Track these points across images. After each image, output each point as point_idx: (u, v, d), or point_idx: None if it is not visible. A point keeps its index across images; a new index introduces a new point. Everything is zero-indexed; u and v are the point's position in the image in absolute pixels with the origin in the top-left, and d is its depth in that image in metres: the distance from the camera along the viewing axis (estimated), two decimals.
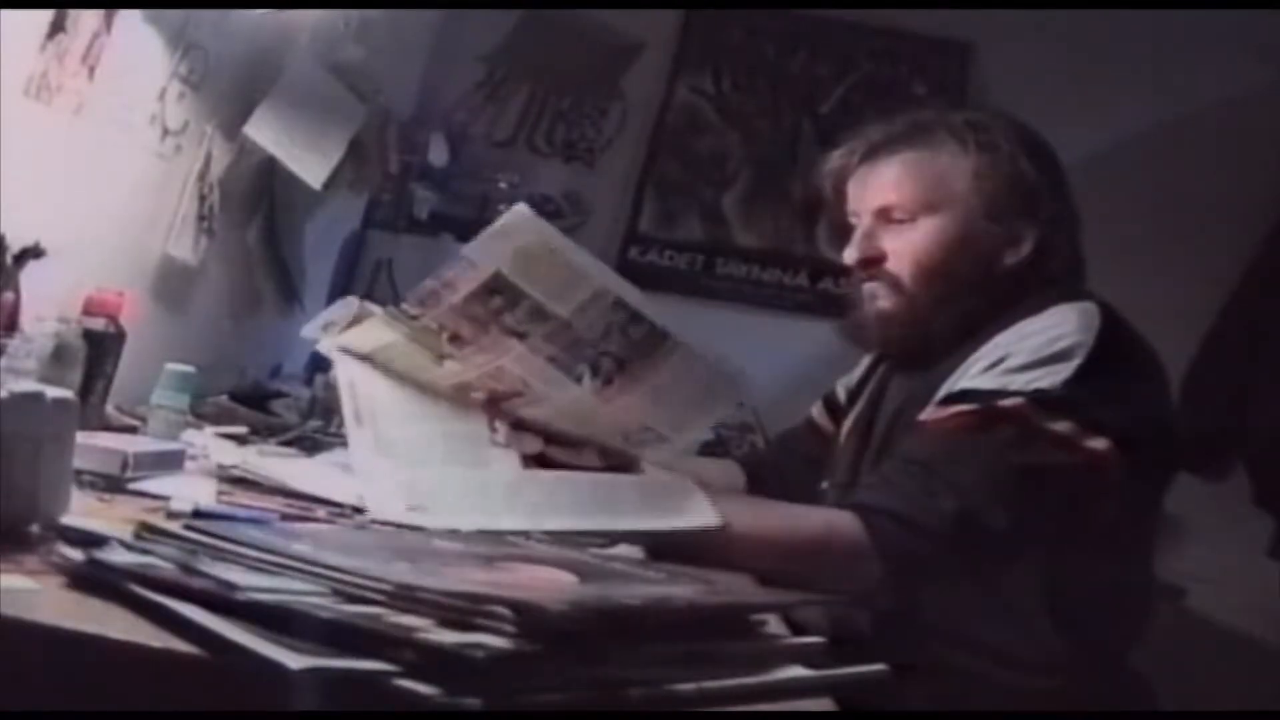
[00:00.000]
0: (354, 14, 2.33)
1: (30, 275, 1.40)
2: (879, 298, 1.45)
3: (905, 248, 1.43)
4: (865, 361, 1.68)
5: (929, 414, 1.31)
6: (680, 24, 3.15)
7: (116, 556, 0.73)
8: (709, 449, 2.39)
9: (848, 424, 1.62)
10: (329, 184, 2.26)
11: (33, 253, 1.41)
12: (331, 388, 1.96)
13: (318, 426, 1.84)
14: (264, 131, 2.02)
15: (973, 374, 1.30)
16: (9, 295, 1.36)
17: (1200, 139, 2.84)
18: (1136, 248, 2.80)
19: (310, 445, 1.66)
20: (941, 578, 1.23)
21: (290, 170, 2.12)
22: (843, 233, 1.54)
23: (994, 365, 1.29)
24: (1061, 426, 1.24)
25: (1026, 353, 1.28)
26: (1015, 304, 1.39)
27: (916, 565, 1.20)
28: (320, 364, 2.33)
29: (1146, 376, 1.37)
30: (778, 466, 1.78)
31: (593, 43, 3.14)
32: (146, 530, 0.77)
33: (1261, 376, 2.68)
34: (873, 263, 1.45)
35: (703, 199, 3.09)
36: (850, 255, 1.48)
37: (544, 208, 3.09)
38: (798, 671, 0.76)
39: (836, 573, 1.22)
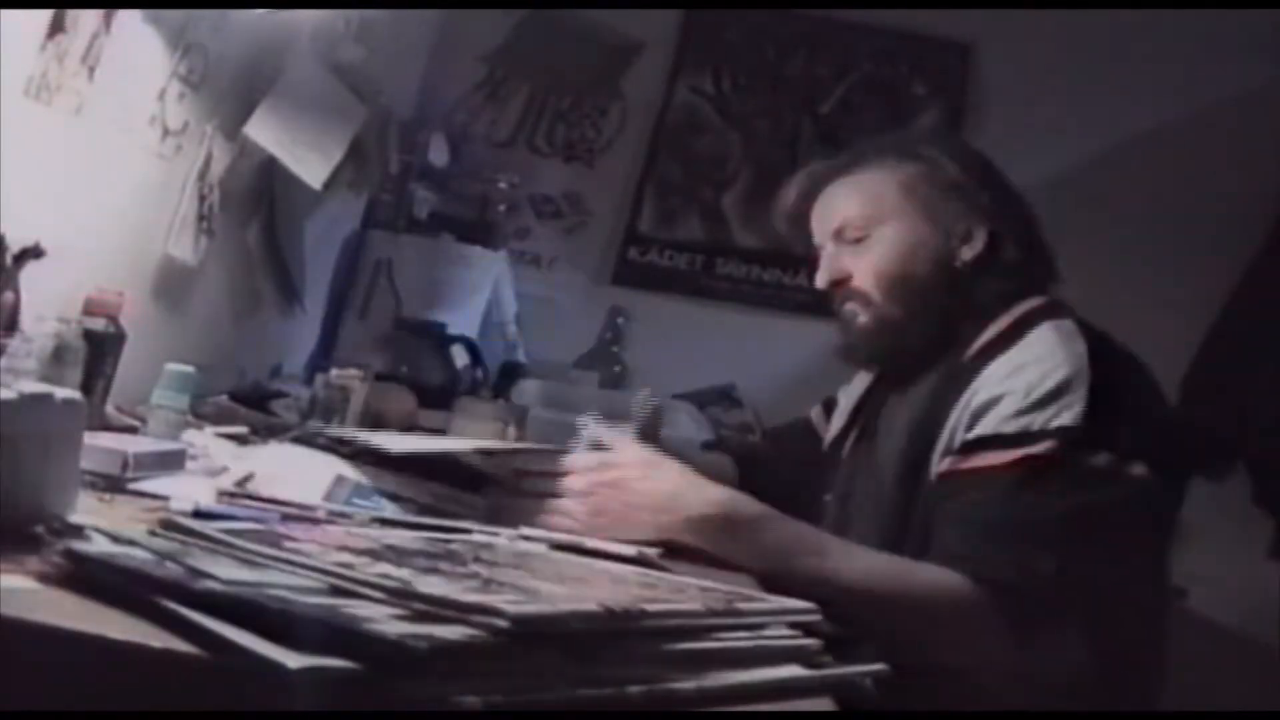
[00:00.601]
0: (354, 14, 2.33)
1: (30, 275, 1.40)
2: (858, 315, 1.52)
3: (865, 262, 1.51)
4: (866, 377, 1.69)
5: (955, 463, 1.33)
6: (680, 24, 3.15)
7: (91, 546, 0.74)
8: (710, 449, 2.39)
9: (850, 440, 1.64)
10: (329, 184, 2.25)
11: (33, 253, 1.41)
12: (331, 387, 1.97)
13: (318, 426, 1.84)
14: (264, 131, 2.02)
15: (984, 419, 1.32)
16: (9, 295, 1.36)
17: (1200, 139, 2.84)
18: (1136, 248, 2.81)
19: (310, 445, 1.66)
20: (1045, 629, 1.24)
21: (290, 170, 2.12)
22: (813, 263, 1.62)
23: (993, 406, 1.31)
24: (1099, 461, 1.26)
25: (1026, 391, 1.30)
26: (987, 301, 1.45)
27: (1032, 625, 1.22)
28: (320, 364, 2.34)
29: (1143, 387, 1.40)
30: (771, 464, 1.80)
31: (593, 43, 3.14)
32: (162, 527, 0.77)
33: (1261, 376, 2.68)
34: (840, 283, 1.53)
35: (703, 199, 3.09)
36: (821, 280, 1.56)
37: (544, 208, 3.09)
38: (797, 671, 0.76)
39: (965, 643, 1.24)
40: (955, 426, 1.35)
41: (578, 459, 1.32)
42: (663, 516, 1.26)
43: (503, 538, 1.11)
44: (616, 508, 1.27)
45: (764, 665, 0.76)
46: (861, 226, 1.52)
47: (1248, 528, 2.63)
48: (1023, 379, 1.31)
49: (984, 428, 1.31)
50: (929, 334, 1.47)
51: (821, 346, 2.91)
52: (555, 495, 1.29)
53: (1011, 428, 1.29)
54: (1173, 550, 1.44)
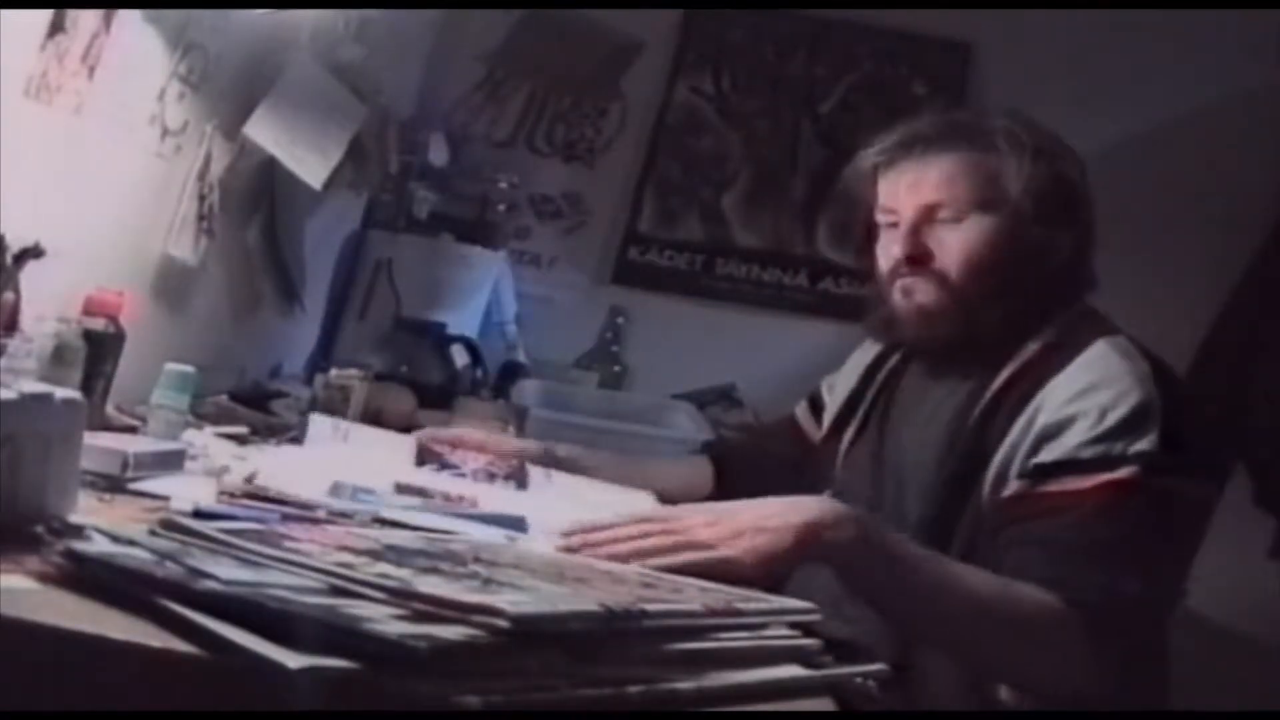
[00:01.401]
0: (354, 14, 2.33)
1: (30, 275, 1.40)
2: (918, 293, 1.45)
3: (954, 245, 1.43)
4: (859, 367, 1.66)
5: (1029, 487, 1.30)
6: (680, 24, 3.15)
7: (91, 546, 0.74)
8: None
9: (849, 433, 1.60)
10: (329, 184, 2.25)
11: (33, 253, 1.41)
12: (331, 387, 1.97)
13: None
14: (264, 131, 2.02)
15: (1057, 442, 1.29)
16: (9, 295, 1.36)
17: (1200, 139, 2.84)
18: (1136, 248, 2.80)
19: None
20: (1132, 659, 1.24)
21: (290, 170, 2.12)
22: (865, 232, 1.54)
23: (1065, 428, 1.29)
24: (1173, 483, 1.26)
25: (1099, 414, 1.28)
26: (1053, 308, 1.43)
27: (1118, 650, 1.21)
28: (320, 364, 2.34)
29: (1192, 405, 1.41)
30: (751, 463, 1.77)
31: (593, 43, 3.14)
32: (162, 527, 0.77)
33: (1262, 377, 2.68)
34: (920, 260, 1.44)
35: (703, 199, 3.09)
36: (896, 252, 1.46)
37: (544, 208, 3.09)
38: (797, 671, 0.76)
39: (1045, 656, 1.22)
40: (1016, 445, 1.32)
41: (685, 510, 1.20)
42: (804, 537, 1.14)
43: (502, 538, 1.11)
44: (735, 520, 1.14)
45: (764, 665, 0.76)
46: (962, 209, 1.43)
47: (1248, 528, 2.63)
48: (1094, 401, 1.29)
49: (1058, 452, 1.29)
50: (992, 328, 1.42)
51: (821, 346, 2.93)
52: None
53: (1089, 453, 1.27)
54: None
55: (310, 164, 2.16)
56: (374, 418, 1.99)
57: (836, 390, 1.68)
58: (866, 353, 1.66)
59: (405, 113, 2.85)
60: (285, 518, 1.06)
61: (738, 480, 1.66)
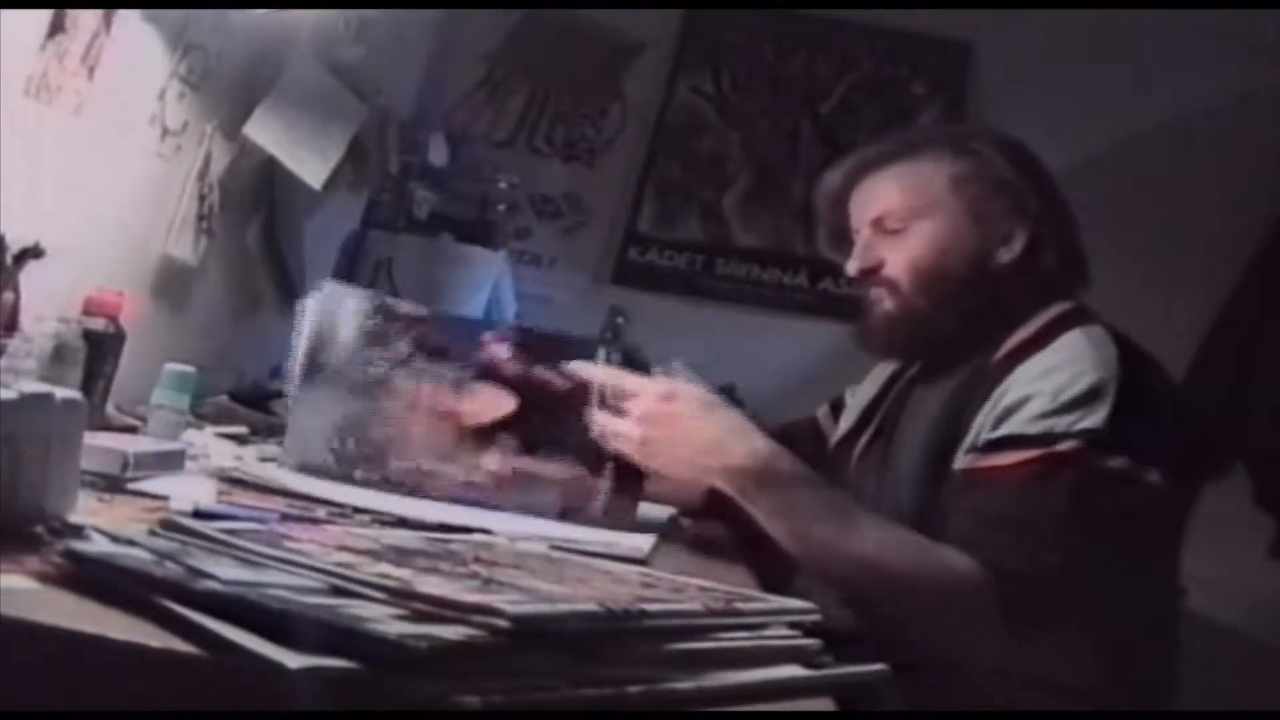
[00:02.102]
0: (354, 14, 2.33)
1: (30, 275, 1.40)
2: (882, 301, 1.51)
3: (901, 253, 1.49)
4: (880, 378, 1.69)
5: (976, 460, 1.33)
6: (680, 24, 3.15)
7: (91, 546, 0.74)
8: None
9: (862, 441, 1.63)
10: (329, 184, 2.26)
11: (33, 253, 1.41)
12: None
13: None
14: (264, 131, 2.02)
15: (1011, 419, 1.31)
16: (9, 295, 1.36)
17: (1200, 139, 2.84)
18: (1136, 247, 2.80)
19: None
20: (1046, 624, 1.24)
21: (290, 170, 2.12)
22: (843, 243, 1.61)
23: (1021, 406, 1.31)
24: (1118, 464, 1.27)
25: (1054, 393, 1.30)
26: (1016, 303, 1.45)
27: (1032, 621, 1.22)
28: None
29: (1166, 395, 1.40)
30: None
31: (593, 43, 3.14)
32: (162, 526, 0.77)
33: (1261, 376, 2.69)
34: (872, 271, 1.52)
35: (703, 199, 3.09)
36: (852, 266, 1.54)
37: (544, 208, 3.09)
38: (797, 671, 0.76)
39: (966, 630, 1.24)
40: (981, 427, 1.35)
41: (646, 383, 1.34)
42: (704, 458, 1.30)
43: (503, 538, 1.11)
44: (665, 441, 1.30)
45: (764, 665, 0.76)
46: (903, 217, 1.50)
47: (1248, 528, 2.63)
48: (1051, 381, 1.31)
49: (1009, 428, 1.31)
50: (951, 330, 1.47)
51: (821, 346, 2.94)
52: (620, 414, 1.32)
53: (1036, 428, 1.29)
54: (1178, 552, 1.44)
55: (310, 164, 2.16)
56: None
57: (858, 395, 1.71)
58: (891, 363, 1.69)
59: (405, 113, 2.85)
60: (285, 518, 1.06)
61: None
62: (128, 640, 0.63)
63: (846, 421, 1.69)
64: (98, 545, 0.77)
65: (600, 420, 1.33)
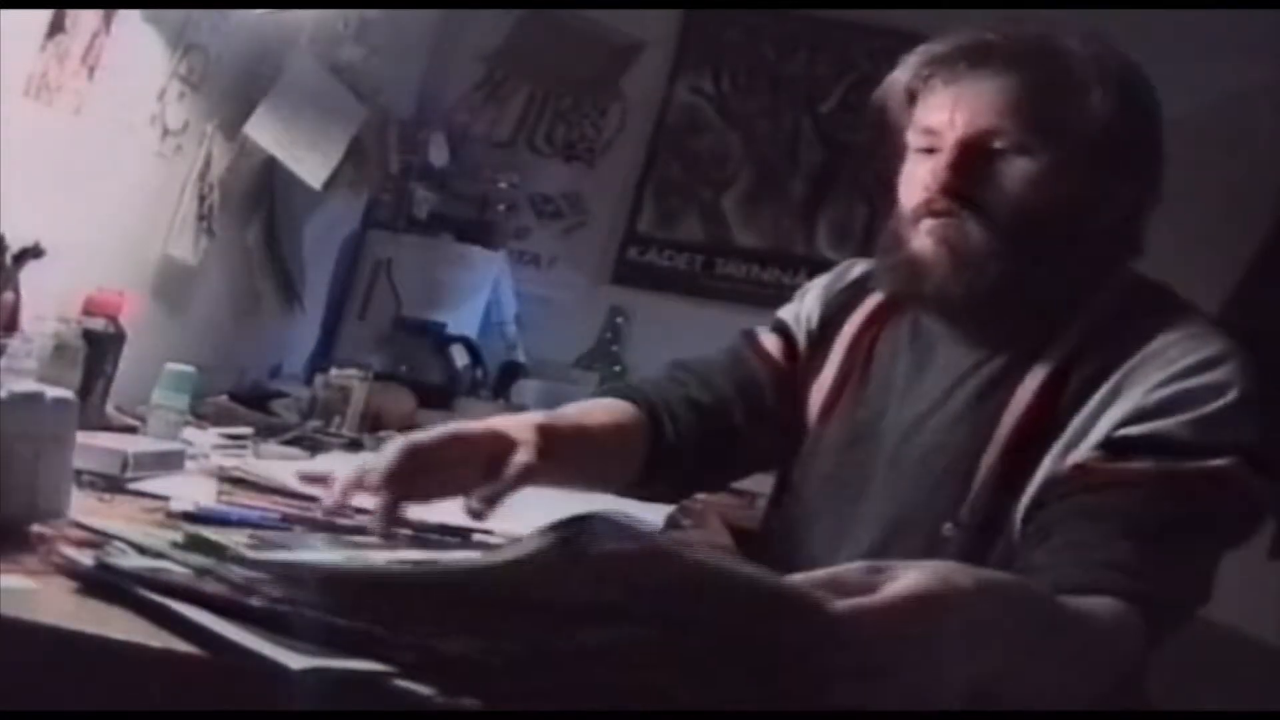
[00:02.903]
0: (354, 14, 2.33)
1: (30, 275, 1.40)
2: (947, 236, 1.18)
3: (1006, 181, 1.17)
4: (814, 306, 1.43)
5: (1103, 460, 1.11)
6: (680, 24, 3.15)
7: (126, 561, 0.73)
8: None
9: (822, 395, 1.33)
10: (329, 184, 2.26)
11: (33, 253, 1.41)
12: (331, 387, 1.97)
13: (318, 426, 1.84)
14: (264, 131, 2.02)
15: (1151, 421, 1.11)
16: (9, 295, 1.36)
17: (1200, 138, 2.84)
18: None
19: (310, 445, 1.66)
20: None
21: (290, 170, 2.12)
22: (890, 157, 1.29)
23: (1164, 407, 1.11)
24: (1261, 484, 1.11)
25: (1204, 396, 1.11)
26: (1088, 272, 1.21)
27: (1154, 643, 1.07)
28: (320, 364, 2.34)
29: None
30: (699, 382, 1.37)
31: (593, 43, 3.14)
32: (194, 543, 0.77)
33: (1262, 376, 2.68)
34: (960, 194, 1.18)
35: (703, 199, 3.09)
36: (931, 183, 1.18)
37: (544, 208, 3.09)
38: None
39: (1120, 668, 1.03)
40: (1095, 416, 1.12)
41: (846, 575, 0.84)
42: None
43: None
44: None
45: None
46: (1025, 141, 1.17)
47: None
48: (1198, 383, 1.12)
49: (1149, 429, 1.10)
50: (1018, 282, 1.17)
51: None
52: None
53: (1187, 434, 1.09)
54: None
55: (310, 164, 2.16)
56: (374, 418, 1.99)
57: (802, 320, 1.43)
58: (824, 289, 1.45)
59: (405, 113, 2.85)
60: (285, 518, 1.06)
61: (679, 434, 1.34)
62: (128, 640, 0.63)
63: (826, 370, 1.36)
64: (130, 559, 0.75)
65: None
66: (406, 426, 1.92)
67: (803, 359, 1.37)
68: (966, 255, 1.17)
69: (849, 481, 1.26)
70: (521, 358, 2.86)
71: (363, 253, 2.77)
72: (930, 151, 1.21)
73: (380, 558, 0.70)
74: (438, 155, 2.84)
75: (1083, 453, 1.11)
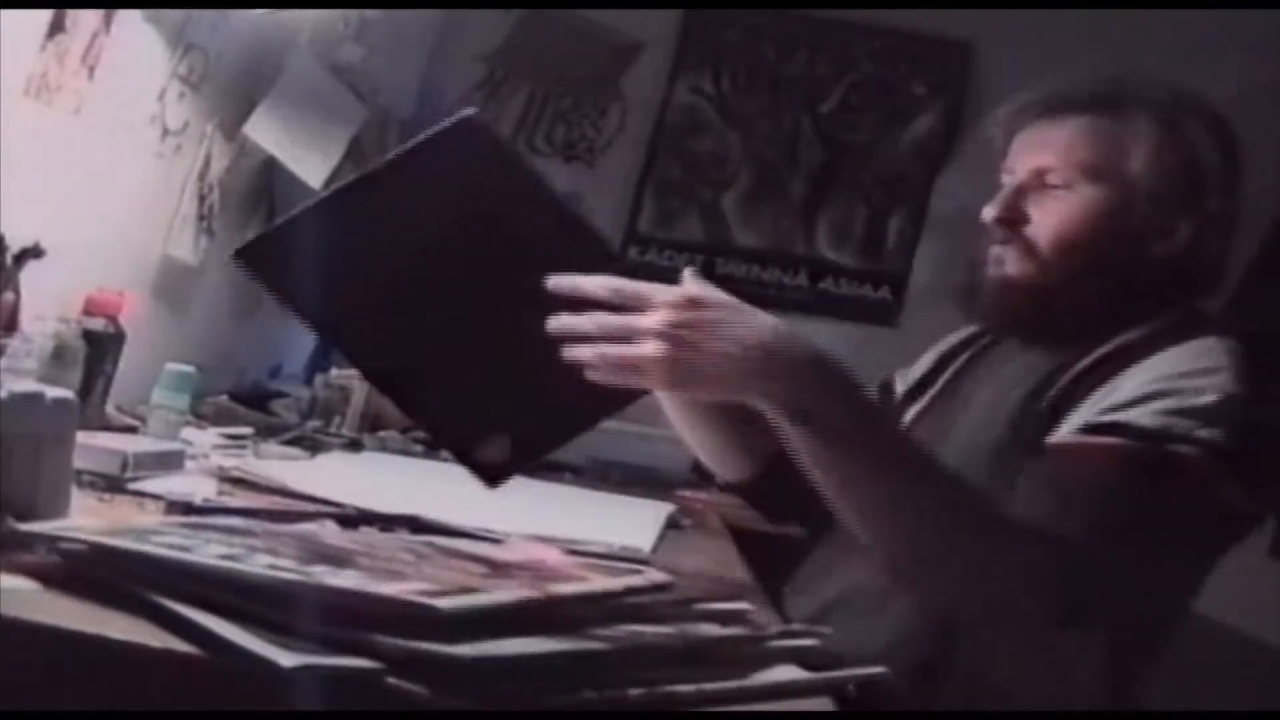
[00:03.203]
0: (354, 14, 2.33)
1: (30, 275, 1.40)
2: (1006, 263, 1.31)
3: (1052, 214, 1.30)
4: (931, 359, 1.57)
5: (1077, 438, 1.19)
6: (680, 24, 3.15)
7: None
8: None
9: (914, 410, 1.49)
10: (329, 184, 2.25)
11: (33, 253, 1.41)
12: (331, 387, 1.97)
13: (318, 426, 1.84)
14: (264, 131, 2.02)
15: (1119, 406, 1.18)
16: (9, 295, 1.36)
17: None
18: None
19: (310, 445, 1.66)
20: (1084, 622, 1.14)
21: (290, 170, 2.12)
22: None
23: (1147, 399, 1.18)
24: (1229, 485, 1.16)
25: (1186, 395, 1.17)
26: (1153, 303, 1.30)
27: (1076, 603, 1.11)
28: (320, 364, 2.34)
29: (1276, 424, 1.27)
30: None
31: (593, 43, 3.14)
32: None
33: (1262, 376, 2.68)
34: (1012, 224, 1.31)
35: (703, 199, 3.09)
36: (989, 211, 1.33)
37: None
38: (796, 673, 0.76)
39: (1018, 592, 1.11)
40: (1088, 410, 1.20)
41: (662, 291, 1.14)
42: (752, 360, 1.09)
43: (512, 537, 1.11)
44: (698, 351, 1.09)
45: (763, 667, 0.76)
46: (1070, 177, 1.30)
47: None
48: (1186, 384, 1.18)
49: (1125, 416, 1.17)
50: (1073, 310, 1.29)
51: (821, 346, 2.93)
52: (624, 338, 1.08)
53: (1156, 422, 1.15)
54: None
55: (310, 164, 2.16)
56: (374, 418, 1.99)
57: (909, 376, 1.57)
58: (945, 342, 1.56)
59: (405, 113, 2.85)
60: (262, 514, 1.06)
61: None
62: (128, 640, 0.63)
63: (924, 399, 1.52)
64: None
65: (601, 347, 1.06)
66: (407, 427, 1.93)
67: (897, 402, 1.51)
68: (1013, 281, 1.30)
69: None
70: None
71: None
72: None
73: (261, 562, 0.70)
74: None
75: (1062, 434, 1.19)
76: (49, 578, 0.71)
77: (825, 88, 3.10)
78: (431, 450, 1.87)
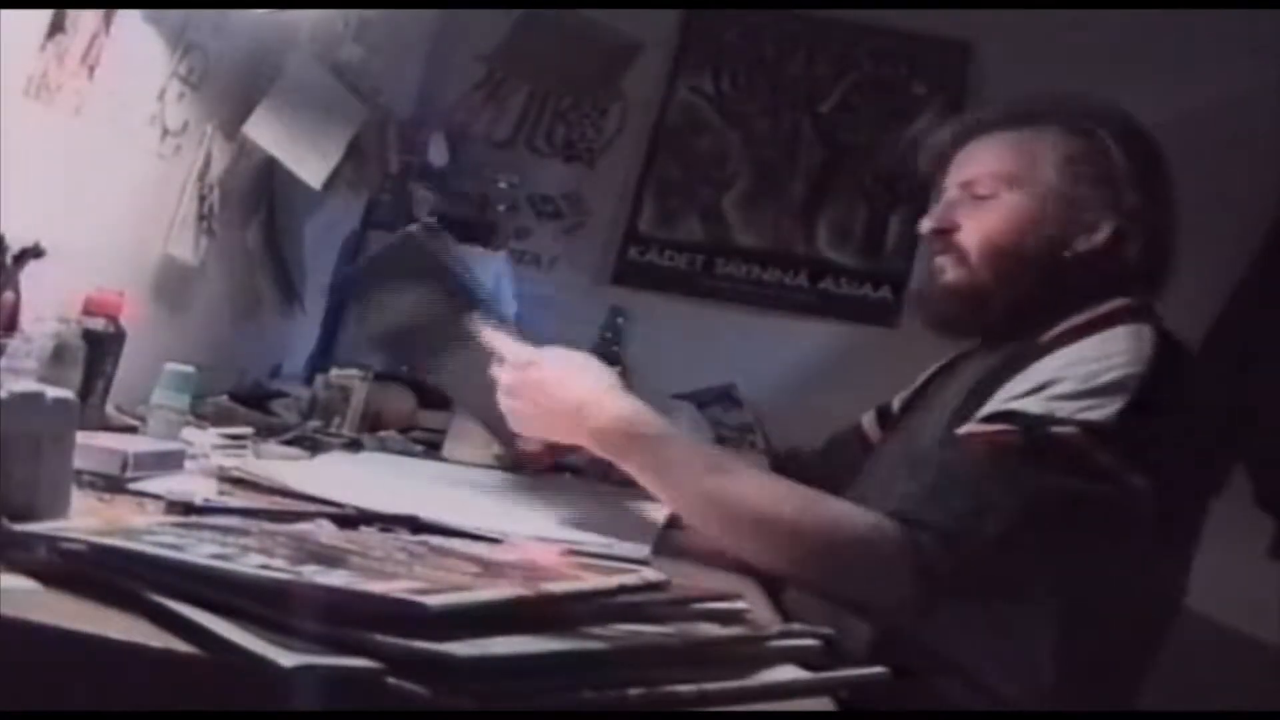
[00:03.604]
0: (354, 14, 2.33)
1: (30, 275, 1.40)
2: (946, 270, 1.46)
3: (979, 222, 1.44)
4: (922, 377, 1.65)
5: (970, 428, 1.27)
6: (680, 24, 3.15)
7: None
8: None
9: (904, 420, 1.60)
10: (329, 184, 2.26)
11: (33, 253, 1.41)
12: (331, 387, 1.97)
13: (318, 426, 1.84)
14: (264, 131, 2.02)
15: (1018, 395, 1.26)
16: (9, 295, 1.36)
17: (1200, 139, 2.84)
18: None
19: (310, 445, 1.66)
20: (975, 597, 1.21)
21: (290, 170, 2.12)
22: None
23: (1040, 389, 1.25)
24: (1107, 460, 1.21)
25: (1076, 380, 1.24)
26: (1080, 293, 1.39)
27: (948, 584, 1.17)
28: (320, 364, 2.34)
29: (1192, 415, 1.33)
30: (809, 468, 1.69)
31: (593, 43, 3.14)
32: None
33: (1261, 377, 2.68)
34: (944, 233, 1.46)
35: (703, 199, 3.09)
36: (925, 224, 1.48)
37: (544, 208, 3.10)
38: (797, 673, 0.76)
39: (869, 579, 1.19)
40: (998, 400, 1.29)
41: (512, 350, 1.38)
42: (568, 425, 1.31)
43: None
44: (528, 411, 1.33)
45: (763, 667, 0.76)
46: (993, 185, 1.44)
47: (1248, 528, 2.63)
48: (1078, 369, 1.26)
49: (1017, 405, 1.25)
50: (1008, 311, 1.41)
51: (821, 346, 2.93)
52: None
53: (1040, 409, 1.23)
54: (1186, 564, 1.38)
55: (310, 164, 2.16)
56: (374, 418, 1.99)
57: (903, 397, 1.68)
58: (937, 364, 1.66)
59: (405, 113, 2.85)
60: (258, 514, 1.06)
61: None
62: (128, 640, 0.63)
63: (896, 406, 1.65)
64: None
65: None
66: (407, 427, 1.93)
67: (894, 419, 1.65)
68: (949, 287, 1.45)
69: (855, 481, 1.50)
70: None
71: (363, 253, 2.76)
72: None
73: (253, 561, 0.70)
74: (438, 155, 2.84)
75: (966, 426, 1.28)
76: (49, 578, 0.71)
77: (825, 88, 3.10)
78: (431, 451, 1.88)
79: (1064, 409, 1.23)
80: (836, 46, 3.11)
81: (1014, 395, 1.27)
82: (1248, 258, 2.79)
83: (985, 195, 1.44)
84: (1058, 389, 1.25)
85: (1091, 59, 2.91)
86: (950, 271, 1.45)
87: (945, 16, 3.00)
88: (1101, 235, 1.41)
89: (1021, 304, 1.40)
